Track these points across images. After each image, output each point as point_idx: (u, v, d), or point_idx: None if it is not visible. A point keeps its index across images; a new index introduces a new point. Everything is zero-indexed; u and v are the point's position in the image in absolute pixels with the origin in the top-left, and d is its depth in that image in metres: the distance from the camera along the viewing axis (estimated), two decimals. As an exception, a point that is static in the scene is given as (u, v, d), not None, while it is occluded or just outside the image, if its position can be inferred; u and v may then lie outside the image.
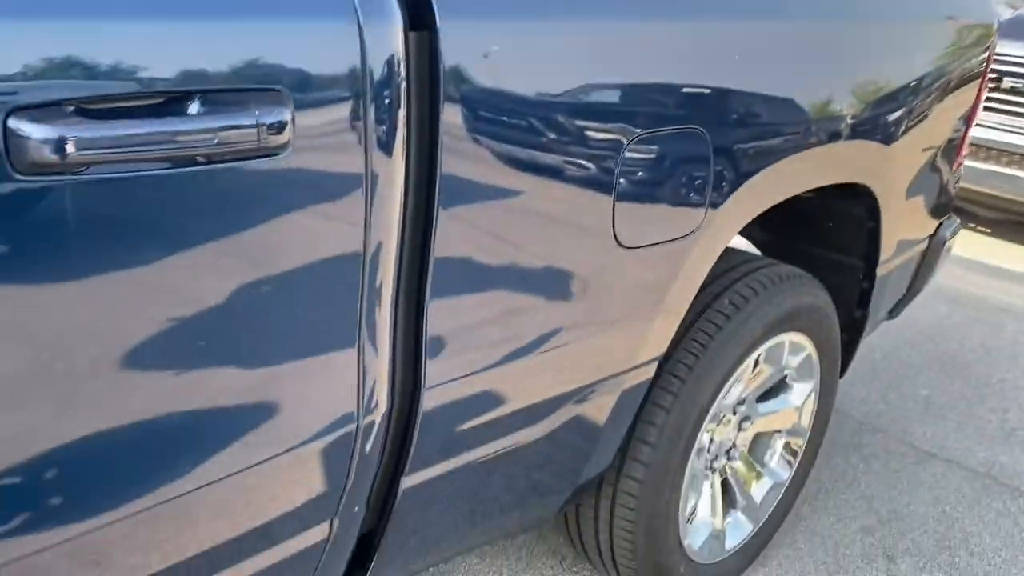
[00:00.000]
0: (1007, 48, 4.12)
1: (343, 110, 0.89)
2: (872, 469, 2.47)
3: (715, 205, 1.36)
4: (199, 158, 0.80)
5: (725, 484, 1.91)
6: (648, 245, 1.30)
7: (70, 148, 0.71)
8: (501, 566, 1.98)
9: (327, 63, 0.88)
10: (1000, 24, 2.20)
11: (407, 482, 1.16)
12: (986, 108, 4.34)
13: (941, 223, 2.25)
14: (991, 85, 4.26)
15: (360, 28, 0.89)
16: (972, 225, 4.86)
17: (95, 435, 0.83)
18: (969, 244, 4.53)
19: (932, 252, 2.23)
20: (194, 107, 0.79)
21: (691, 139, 1.28)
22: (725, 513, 1.91)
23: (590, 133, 1.15)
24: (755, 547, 2.00)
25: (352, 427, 1.04)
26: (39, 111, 0.70)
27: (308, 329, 0.96)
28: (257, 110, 0.81)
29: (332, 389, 1.01)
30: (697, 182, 1.31)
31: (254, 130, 0.81)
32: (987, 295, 3.84)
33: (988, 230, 4.84)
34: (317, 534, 1.09)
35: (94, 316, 0.79)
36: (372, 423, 1.07)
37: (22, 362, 0.76)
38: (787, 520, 2.17)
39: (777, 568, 2.06)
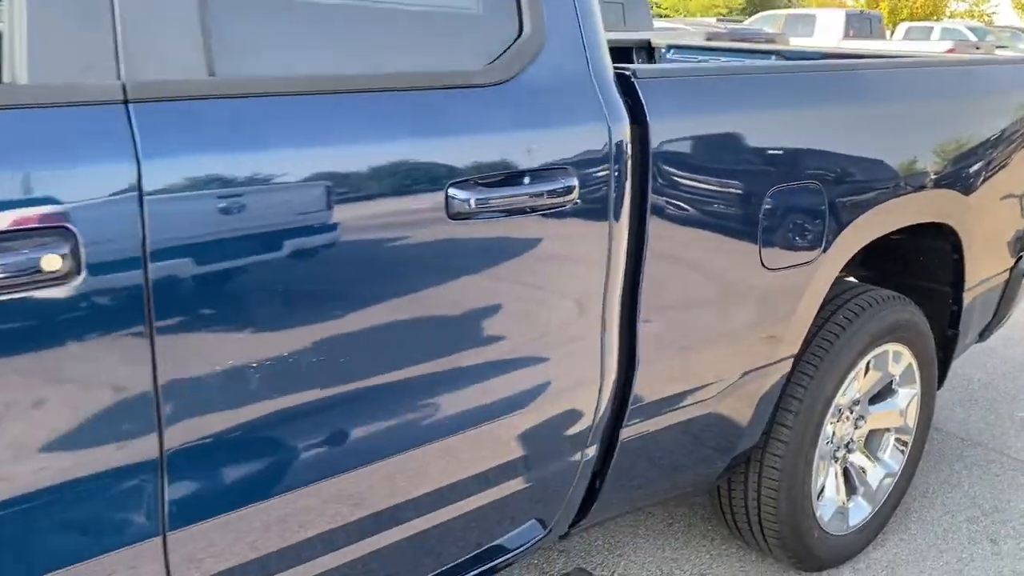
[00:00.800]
0: None
1: (599, 180, 1.45)
2: (974, 475, 2.85)
3: (833, 234, 1.86)
4: (527, 209, 1.36)
5: (846, 473, 2.35)
6: (784, 268, 1.80)
7: (472, 204, 1.28)
8: (663, 544, 2.45)
9: (591, 150, 1.44)
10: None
11: (624, 433, 1.68)
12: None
13: (1021, 257, 2.68)
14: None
15: (608, 127, 1.45)
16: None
17: (475, 370, 1.39)
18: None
19: (1013, 282, 2.65)
20: (526, 180, 1.36)
21: (811, 191, 1.80)
22: (848, 497, 2.34)
23: (742, 189, 1.68)
24: (873, 528, 2.42)
25: (597, 385, 1.57)
26: (460, 183, 1.28)
27: (576, 322, 1.50)
28: (561, 180, 1.37)
29: (587, 359, 1.54)
30: (817, 220, 1.82)
31: (558, 192, 1.37)
32: (1080, 332, 4.14)
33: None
34: (580, 457, 1.61)
35: (475, 294, 1.35)
36: (607, 384, 1.59)
37: (430, 322, 1.32)
38: (898, 513, 2.58)
39: (894, 548, 2.46)
